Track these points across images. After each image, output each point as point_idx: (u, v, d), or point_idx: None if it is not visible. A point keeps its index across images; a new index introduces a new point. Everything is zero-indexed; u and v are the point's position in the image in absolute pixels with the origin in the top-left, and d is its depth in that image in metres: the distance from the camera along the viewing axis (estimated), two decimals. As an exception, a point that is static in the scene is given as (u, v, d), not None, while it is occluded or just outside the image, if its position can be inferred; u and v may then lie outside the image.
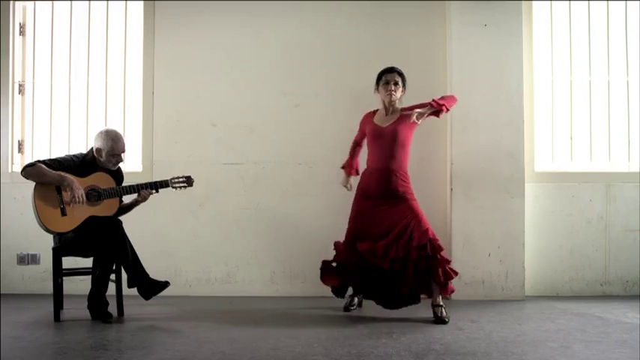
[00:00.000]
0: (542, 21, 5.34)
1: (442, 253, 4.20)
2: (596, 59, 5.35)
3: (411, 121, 4.25)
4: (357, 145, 4.69)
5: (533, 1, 5.28)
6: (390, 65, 4.50)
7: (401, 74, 4.43)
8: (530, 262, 5.14)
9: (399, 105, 4.45)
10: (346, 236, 4.49)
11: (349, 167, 4.71)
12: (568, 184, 5.24)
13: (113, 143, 4.31)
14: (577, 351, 3.42)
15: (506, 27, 5.05)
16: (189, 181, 4.49)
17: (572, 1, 5.36)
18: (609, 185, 5.22)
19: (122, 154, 4.39)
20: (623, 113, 5.35)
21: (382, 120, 4.43)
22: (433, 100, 4.29)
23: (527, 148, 5.11)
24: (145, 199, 4.38)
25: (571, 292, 5.19)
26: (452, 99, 4.44)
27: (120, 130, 4.58)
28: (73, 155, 4.38)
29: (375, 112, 4.54)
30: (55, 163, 4.23)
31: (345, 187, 4.72)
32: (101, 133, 4.35)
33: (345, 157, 4.76)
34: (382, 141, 4.36)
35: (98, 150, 4.32)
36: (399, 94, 4.41)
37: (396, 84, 4.38)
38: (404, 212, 4.27)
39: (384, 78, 4.43)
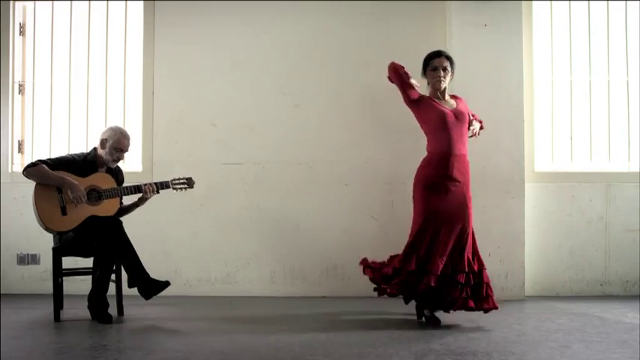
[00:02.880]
0: (542, 21, 5.34)
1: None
2: (596, 59, 5.35)
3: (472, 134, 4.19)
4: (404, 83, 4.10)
5: (533, 1, 5.29)
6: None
7: (449, 58, 4.13)
8: (530, 262, 5.14)
9: (448, 91, 4.21)
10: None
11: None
12: (568, 184, 5.24)
13: (121, 137, 4.35)
14: (577, 351, 3.42)
15: (506, 27, 5.05)
16: (189, 183, 4.50)
17: (572, 1, 5.36)
18: (609, 185, 5.22)
19: (124, 153, 4.41)
20: (623, 113, 5.35)
21: (445, 104, 4.12)
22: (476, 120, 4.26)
23: (527, 148, 5.11)
24: (147, 193, 4.37)
25: (571, 292, 5.19)
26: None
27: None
28: (75, 154, 4.39)
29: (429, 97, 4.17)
30: (56, 163, 4.24)
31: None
32: (110, 126, 4.48)
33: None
34: (460, 124, 4.05)
35: (103, 141, 4.33)
36: (447, 79, 4.13)
37: (445, 69, 4.09)
38: (468, 209, 4.06)
39: (431, 63, 4.10)
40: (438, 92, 4.15)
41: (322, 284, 5.20)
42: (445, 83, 4.12)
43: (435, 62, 4.11)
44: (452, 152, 4.02)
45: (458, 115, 4.09)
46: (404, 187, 5.00)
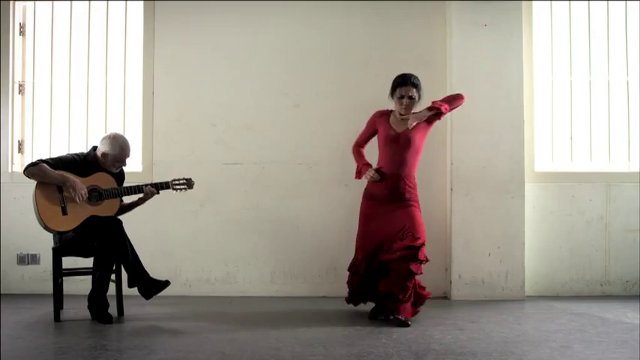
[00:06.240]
0: (542, 21, 5.34)
1: (415, 267, 4.06)
2: (596, 59, 5.35)
3: (409, 127, 4.19)
4: (360, 148, 4.45)
5: (533, 1, 5.29)
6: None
7: (416, 85, 4.20)
8: (530, 262, 5.14)
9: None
10: (358, 243, 4.36)
11: (365, 167, 4.34)
12: (568, 184, 5.24)
13: (121, 150, 4.32)
14: (577, 351, 3.42)
15: (506, 27, 5.05)
16: (189, 184, 4.49)
17: (572, 1, 5.36)
18: (609, 185, 5.22)
19: (126, 159, 4.40)
20: (623, 113, 5.35)
21: (397, 124, 4.25)
22: (433, 102, 4.24)
23: (527, 148, 5.11)
24: (147, 195, 4.37)
25: (571, 292, 5.19)
26: (456, 98, 4.33)
27: (121, 132, 4.59)
28: (75, 154, 4.38)
29: (389, 112, 4.33)
30: (57, 162, 4.23)
31: (373, 177, 4.26)
32: (109, 137, 4.35)
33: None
34: (396, 146, 4.20)
35: (104, 154, 4.31)
36: (413, 107, 4.23)
37: (410, 98, 4.18)
38: (405, 218, 4.16)
39: (398, 91, 4.19)
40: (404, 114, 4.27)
41: (322, 284, 5.20)
42: (410, 111, 4.24)
43: (402, 91, 4.20)
44: (390, 171, 4.22)
45: (403, 138, 4.21)
46: (404, 187, 5.01)
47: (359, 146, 4.47)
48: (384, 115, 4.33)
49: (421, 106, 4.29)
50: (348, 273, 4.43)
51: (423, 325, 4.04)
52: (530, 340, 3.69)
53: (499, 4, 5.05)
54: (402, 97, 4.19)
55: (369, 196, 4.33)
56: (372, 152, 4.42)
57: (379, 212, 4.24)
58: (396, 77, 4.27)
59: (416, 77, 4.24)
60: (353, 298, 4.42)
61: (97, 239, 4.17)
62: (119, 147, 4.32)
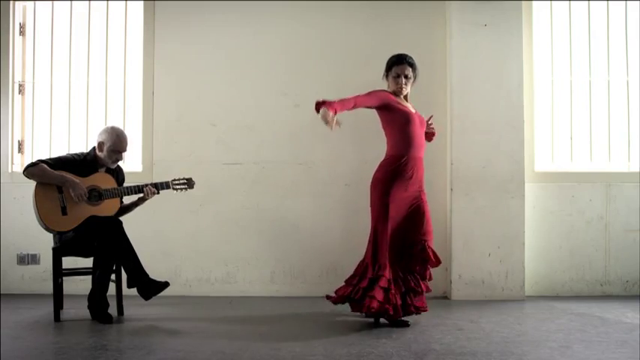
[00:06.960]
0: (542, 21, 5.34)
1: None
2: (596, 59, 5.35)
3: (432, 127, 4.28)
4: (354, 106, 3.95)
5: (533, 1, 5.29)
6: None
7: (412, 64, 4.12)
8: (530, 262, 5.14)
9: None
10: (384, 244, 4.04)
11: (334, 112, 3.80)
12: (568, 184, 5.24)
13: (117, 140, 4.33)
14: (577, 351, 3.42)
15: (506, 27, 5.05)
16: (189, 184, 4.49)
17: (572, 1, 5.36)
18: (609, 185, 5.22)
19: (123, 153, 4.40)
20: (623, 113, 5.35)
21: (405, 104, 4.14)
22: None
23: (527, 148, 5.11)
24: (148, 195, 4.37)
25: (571, 292, 5.20)
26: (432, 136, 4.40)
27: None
28: (74, 154, 4.38)
29: (390, 93, 4.14)
30: (57, 162, 4.23)
31: (331, 124, 3.80)
32: (107, 128, 4.40)
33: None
34: (418, 126, 4.08)
35: (100, 144, 4.32)
36: (409, 86, 4.16)
37: (407, 77, 4.10)
38: (420, 217, 4.08)
39: (394, 70, 4.10)
40: (400, 95, 4.16)
41: (322, 284, 5.19)
42: (407, 90, 4.16)
43: (398, 70, 4.11)
44: (413, 154, 4.05)
45: (420, 118, 4.15)
46: (404, 187, 5.00)
47: (355, 103, 3.94)
48: (391, 94, 4.14)
49: (414, 96, 4.27)
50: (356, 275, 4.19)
51: (423, 325, 4.05)
52: (530, 340, 3.69)
53: (499, 4, 5.05)
54: (398, 75, 4.10)
55: (388, 188, 4.02)
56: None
57: (401, 206, 4.05)
58: (391, 57, 4.20)
59: (411, 57, 4.18)
60: (347, 300, 4.13)
61: (96, 239, 4.17)
62: (115, 136, 4.33)
